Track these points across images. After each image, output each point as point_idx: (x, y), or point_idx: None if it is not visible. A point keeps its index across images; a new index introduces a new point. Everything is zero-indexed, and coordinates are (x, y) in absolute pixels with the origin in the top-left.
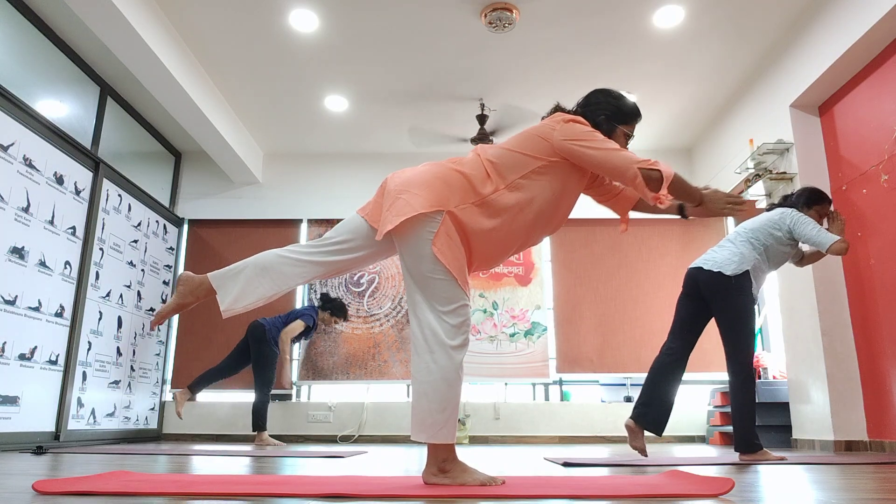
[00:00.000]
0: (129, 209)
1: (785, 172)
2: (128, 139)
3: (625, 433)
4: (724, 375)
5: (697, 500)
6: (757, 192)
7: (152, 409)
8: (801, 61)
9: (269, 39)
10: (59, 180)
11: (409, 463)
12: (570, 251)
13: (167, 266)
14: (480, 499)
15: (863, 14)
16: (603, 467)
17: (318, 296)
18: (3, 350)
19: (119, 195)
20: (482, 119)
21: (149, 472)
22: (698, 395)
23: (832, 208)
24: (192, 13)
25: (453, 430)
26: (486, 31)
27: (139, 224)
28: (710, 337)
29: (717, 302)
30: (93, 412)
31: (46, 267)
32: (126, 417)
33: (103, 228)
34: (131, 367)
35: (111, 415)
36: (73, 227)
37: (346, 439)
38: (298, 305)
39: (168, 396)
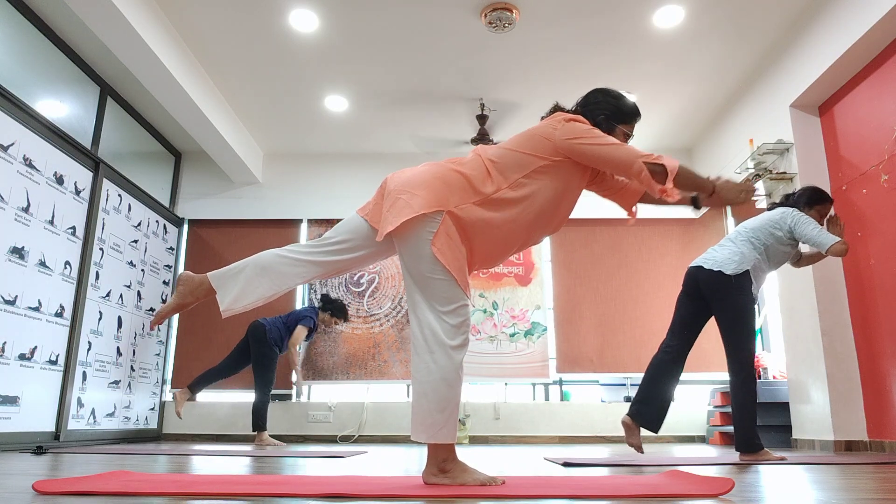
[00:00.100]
0: (129, 209)
1: (785, 172)
2: (128, 139)
3: (619, 433)
4: (724, 375)
5: (697, 500)
6: (757, 192)
7: (152, 409)
8: (801, 61)
9: (269, 39)
10: (59, 180)
11: (409, 463)
12: (570, 251)
13: (167, 266)
14: (480, 499)
15: (863, 14)
16: (603, 467)
17: (318, 296)
18: (3, 350)
19: (119, 195)
20: (482, 119)
21: (149, 472)
22: (698, 395)
23: (832, 212)
24: (192, 13)
25: (453, 430)
26: (486, 31)
27: (139, 224)
28: (710, 337)
29: (717, 301)
30: (93, 412)
31: (46, 267)
32: (126, 417)
33: (103, 228)
34: (131, 367)
35: (111, 415)
36: (73, 227)
37: (346, 439)
38: (298, 305)
39: (168, 396)
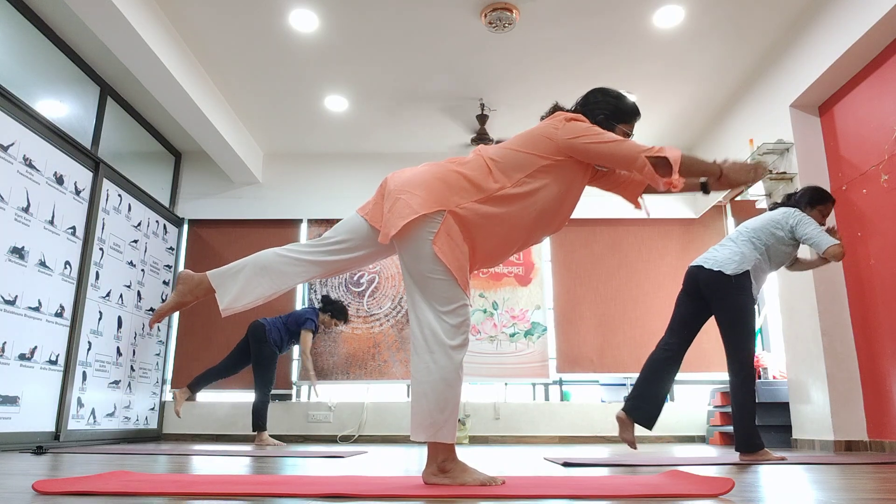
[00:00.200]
0: (129, 209)
1: (785, 172)
2: (128, 139)
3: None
4: (724, 375)
5: (697, 500)
6: (757, 192)
7: (152, 409)
8: (801, 61)
9: (269, 39)
10: (59, 180)
11: (409, 463)
12: (570, 251)
13: (167, 266)
14: (480, 499)
15: (863, 14)
16: (603, 467)
17: (318, 296)
18: (3, 350)
19: (119, 195)
20: (482, 119)
21: (149, 472)
22: (698, 395)
23: (833, 225)
24: (192, 13)
25: (453, 430)
26: (486, 31)
27: (139, 224)
28: (710, 337)
29: (717, 301)
30: (93, 412)
31: (46, 267)
32: (126, 417)
33: (103, 228)
34: (131, 367)
35: (111, 415)
36: (73, 227)
37: (346, 439)
38: (298, 305)
39: (168, 396)
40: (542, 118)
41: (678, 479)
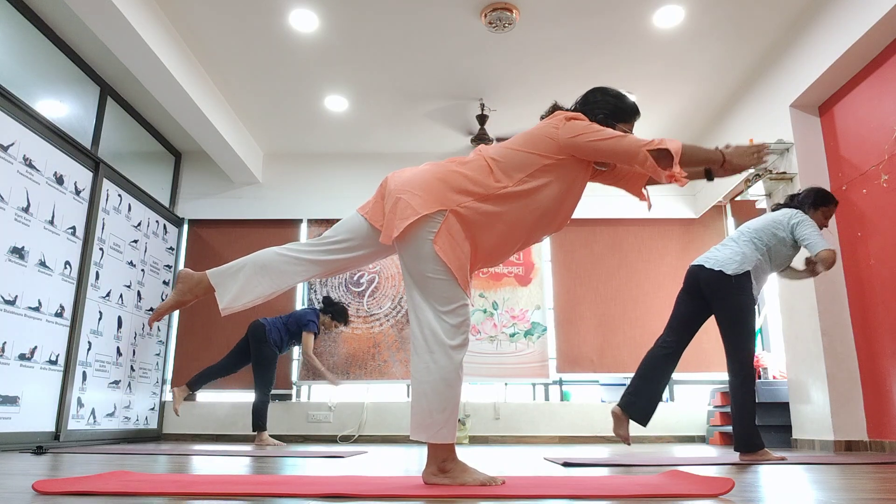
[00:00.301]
0: (129, 209)
1: (785, 172)
2: (128, 139)
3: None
4: (724, 375)
5: (697, 500)
6: (757, 192)
7: (152, 409)
8: (801, 61)
9: (269, 39)
10: (59, 180)
11: (409, 463)
12: (570, 251)
13: (167, 266)
14: (480, 499)
15: (863, 14)
16: (603, 467)
17: (318, 296)
18: (3, 350)
19: (119, 195)
20: (482, 119)
21: (149, 472)
22: (698, 395)
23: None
24: (192, 13)
25: (453, 430)
26: (486, 31)
27: (139, 224)
28: (710, 336)
29: (718, 301)
30: (93, 412)
31: (46, 267)
32: (126, 417)
33: (103, 228)
34: (131, 367)
35: (111, 415)
36: (73, 227)
37: (346, 439)
38: (298, 305)
39: (168, 396)
40: (542, 118)
41: (678, 479)
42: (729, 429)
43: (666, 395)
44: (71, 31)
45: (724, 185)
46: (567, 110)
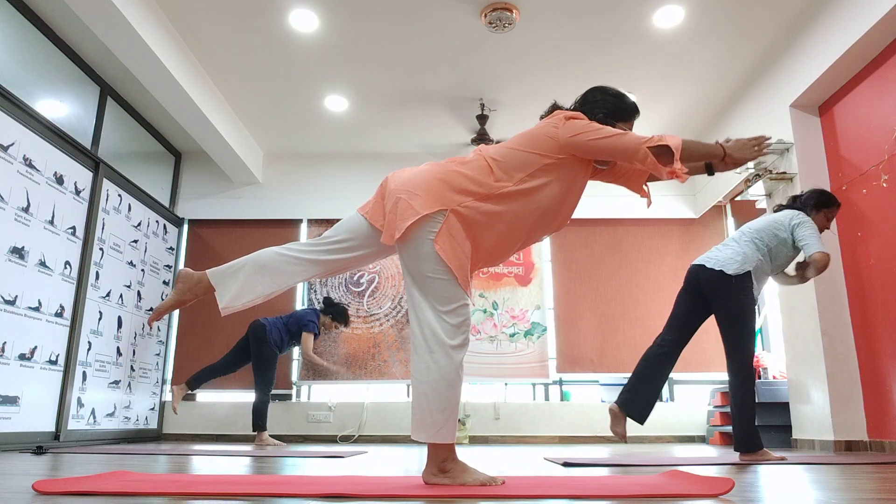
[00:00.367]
0: (129, 209)
1: (785, 172)
2: (128, 139)
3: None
4: (724, 375)
5: (697, 500)
6: (757, 192)
7: (152, 409)
8: (801, 61)
9: (269, 39)
10: (59, 180)
11: (409, 463)
12: (570, 251)
13: (167, 266)
14: (480, 499)
15: (863, 14)
16: (603, 467)
17: (318, 296)
18: (3, 350)
19: (119, 195)
20: (482, 119)
21: (149, 472)
22: (698, 395)
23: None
24: (192, 13)
25: (453, 430)
26: (486, 31)
27: (139, 224)
28: (710, 337)
29: (718, 301)
30: (93, 412)
31: (46, 267)
32: (126, 417)
33: (103, 228)
34: (131, 367)
35: (111, 415)
36: (73, 227)
37: (346, 439)
38: (298, 305)
39: (168, 396)
40: (542, 117)
41: (678, 479)
42: (729, 429)
43: (666, 395)
44: (71, 31)
45: (724, 186)
46: (567, 110)
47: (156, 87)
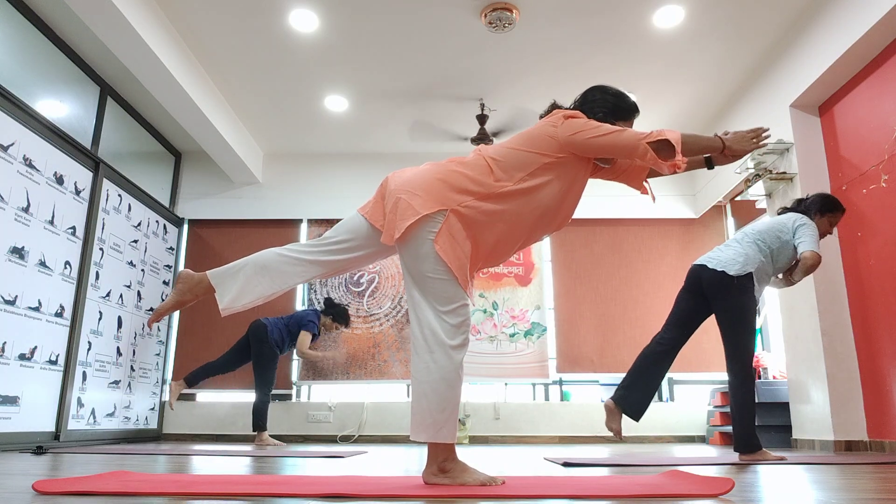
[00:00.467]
0: (129, 209)
1: (785, 172)
2: (128, 139)
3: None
4: (724, 375)
5: (697, 500)
6: (757, 193)
7: (152, 409)
8: (801, 61)
9: (269, 39)
10: (59, 180)
11: (409, 463)
12: (570, 251)
13: (167, 266)
14: (480, 499)
15: (863, 14)
16: (603, 467)
17: (318, 297)
18: (3, 350)
19: (119, 195)
20: (482, 119)
21: (149, 472)
22: (698, 395)
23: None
24: (192, 13)
25: (453, 430)
26: (486, 31)
27: (139, 224)
28: (710, 337)
29: (719, 301)
30: (93, 412)
31: (46, 267)
32: (126, 417)
33: (103, 228)
34: (131, 367)
35: (111, 415)
36: (73, 227)
37: (346, 439)
38: (298, 305)
39: (168, 396)
40: (541, 117)
41: (678, 479)
42: (729, 429)
43: (666, 394)
44: (71, 31)
45: (724, 186)
46: (566, 109)
47: (156, 87)
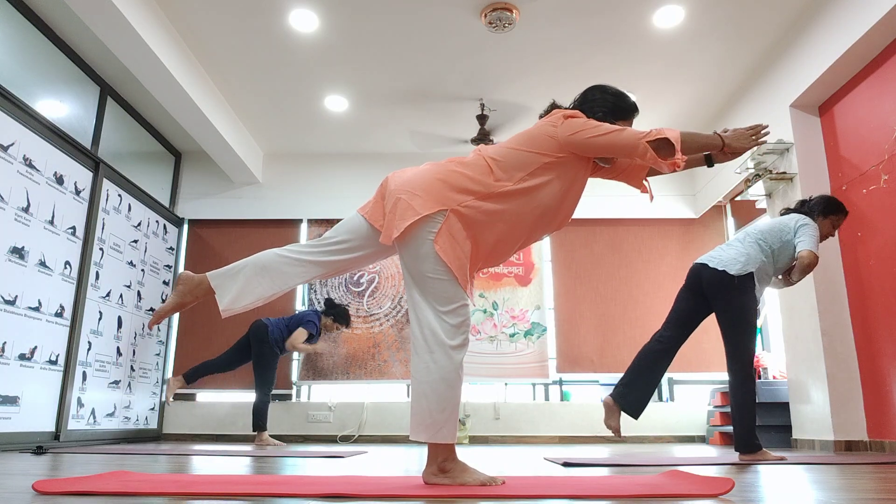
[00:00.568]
0: (129, 209)
1: (785, 172)
2: (128, 139)
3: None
4: (724, 375)
5: (697, 500)
6: (757, 193)
7: (152, 409)
8: (801, 61)
9: (269, 39)
10: (59, 180)
11: (409, 463)
12: (570, 251)
13: (167, 266)
14: (480, 499)
15: (863, 14)
16: (603, 467)
17: (318, 297)
18: (3, 350)
19: (119, 195)
20: (482, 119)
21: (149, 472)
22: (698, 395)
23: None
24: (192, 13)
25: (453, 430)
26: (486, 31)
27: (139, 224)
28: (710, 336)
29: (719, 301)
30: (93, 412)
31: (46, 267)
32: (126, 417)
33: (103, 228)
34: (131, 367)
35: (111, 415)
36: (73, 227)
37: (346, 439)
38: (298, 306)
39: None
40: (541, 117)
41: (678, 479)
42: (729, 429)
43: (666, 394)
44: (71, 31)
45: (724, 186)
46: (566, 109)
47: (156, 87)
